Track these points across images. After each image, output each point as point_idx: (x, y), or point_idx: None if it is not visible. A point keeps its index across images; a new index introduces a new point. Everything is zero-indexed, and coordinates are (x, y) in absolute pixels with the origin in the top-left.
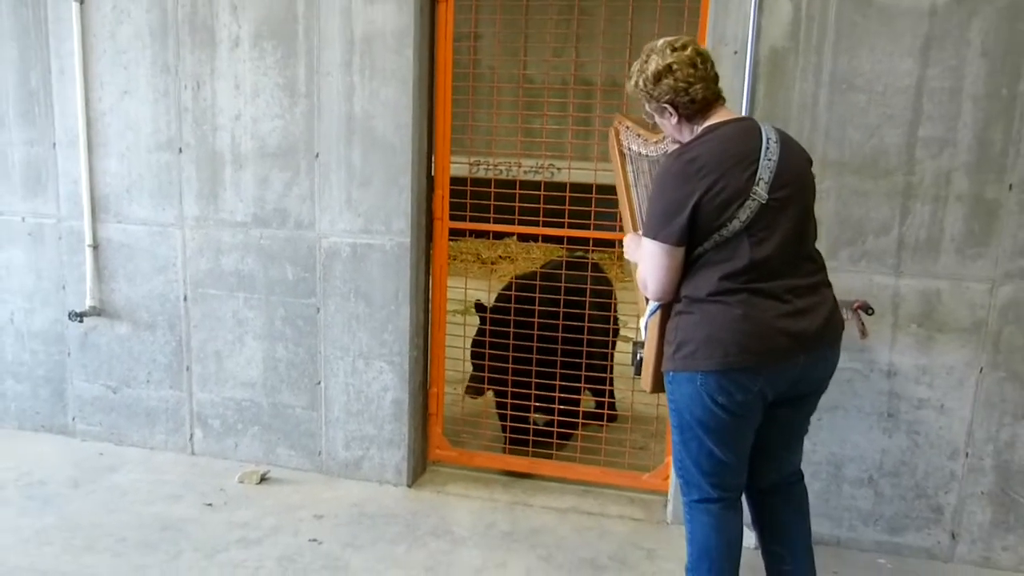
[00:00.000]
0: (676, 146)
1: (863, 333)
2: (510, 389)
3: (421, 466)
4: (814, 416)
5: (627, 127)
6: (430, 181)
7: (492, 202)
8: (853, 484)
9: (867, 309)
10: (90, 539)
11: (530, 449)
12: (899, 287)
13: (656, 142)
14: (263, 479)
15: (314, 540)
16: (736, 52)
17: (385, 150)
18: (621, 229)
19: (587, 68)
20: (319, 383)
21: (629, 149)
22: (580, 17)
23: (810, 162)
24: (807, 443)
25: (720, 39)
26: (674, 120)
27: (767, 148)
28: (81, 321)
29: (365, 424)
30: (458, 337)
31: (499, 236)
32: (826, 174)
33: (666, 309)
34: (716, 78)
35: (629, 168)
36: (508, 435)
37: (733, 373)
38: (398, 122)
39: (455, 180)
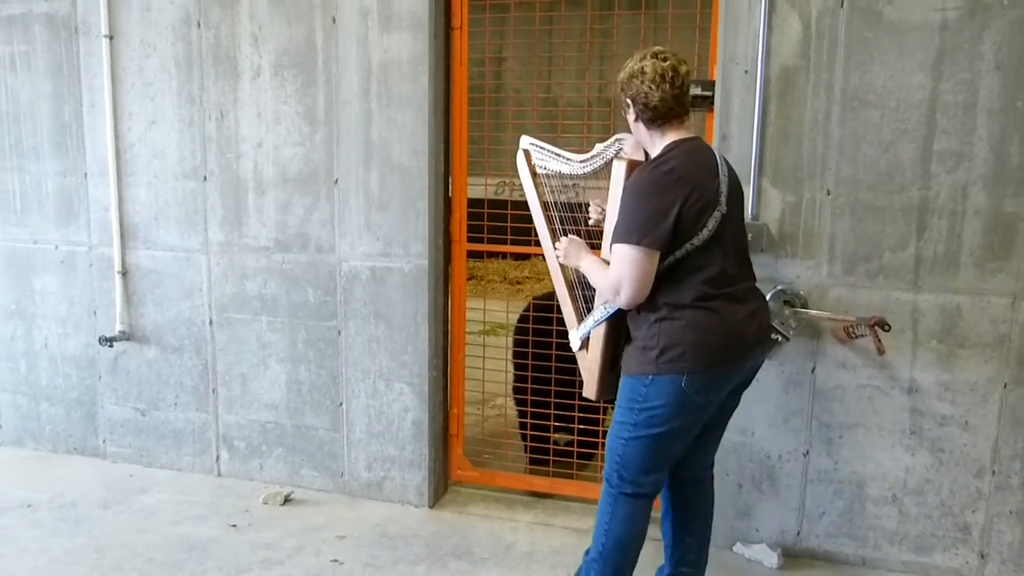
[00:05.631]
0: (619, 161)
1: (880, 350)
2: (530, 409)
3: (443, 486)
4: (835, 434)
5: (539, 148)
6: (447, 204)
7: (509, 224)
8: (876, 503)
9: (883, 325)
10: (118, 559)
11: (551, 469)
12: (918, 302)
13: (582, 161)
14: (287, 500)
15: (336, 561)
16: (747, 71)
17: (403, 174)
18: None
19: (609, 89)
20: (341, 405)
21: (544, 169)
22: (601, 40)
23: (739, 181)
24: (827, 460)
25: (731, 58)
26: (632, 118)
27: (721, 164)
28: (111, 346)
29: (386, 445)
30: (478, 358)
31: (520, 256)
32: (840, 190)
33: (613, 319)
34: (680, 97)
35: (544, 186)
36: (529, 455)
37: (714, 372)
38: (415, 147)
39: (474, 202)
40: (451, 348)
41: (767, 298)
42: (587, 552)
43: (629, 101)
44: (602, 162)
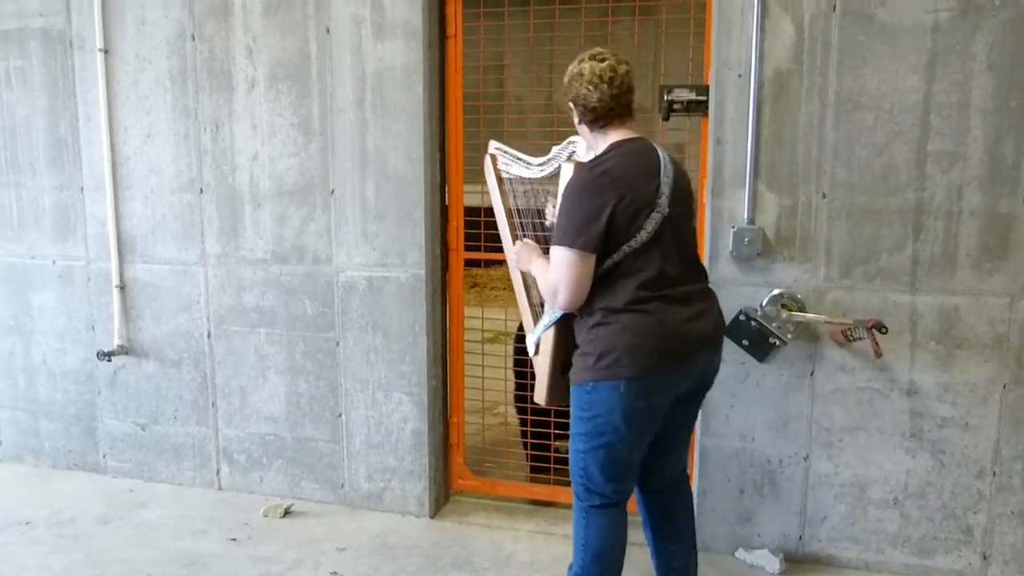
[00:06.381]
0: (568, 164)
1: (877, 353)
2: (530, 417)
3: (444, 496)
4: (835, 437)
5: (504, 152)
6: (444, 212)
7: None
8: (878, 506)
9: (880, 328)
10: (117, 575)
11: (552, 477)
12: (916, 304)
13: (540, 164)
14: (287, 512)
15: (335, 573)
16: (740, 75)
17: (398, 184)
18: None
19: None
20: (340, 416)
21: (508, 174)
22: (612, 46)
23: (690, 182)
24: (828, 464)
25: (724, 63)
26: (576, 120)
27: (664, 166)
28: (109, 360)
29: (386, 456)
30: (479, 366)
31: None
32: (836, 193)
33: (563, 324)
34: (619, 97)
35: (509, 191)
36: (530, 463)
37: (655, 376)
38: (410, 156)
39: (471, 211)
40: (450, 357)
41: (764, 302)
42: (571, 567)
43: (571, 104)
44: (558, 165)
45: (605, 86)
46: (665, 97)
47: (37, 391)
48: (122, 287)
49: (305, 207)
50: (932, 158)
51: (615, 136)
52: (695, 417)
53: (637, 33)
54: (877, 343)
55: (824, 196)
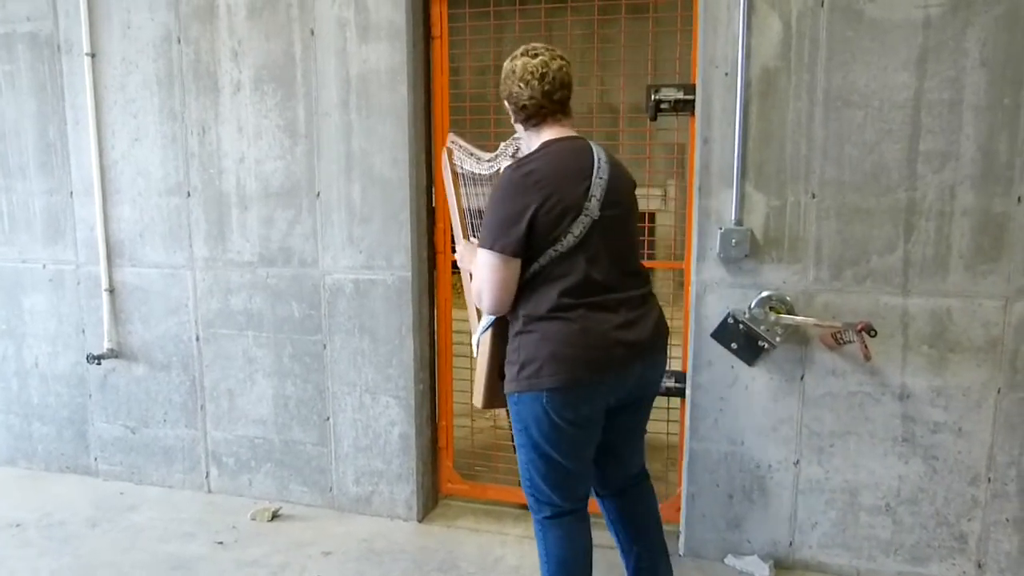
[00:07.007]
0: (510, 162)
1: (866, 356)
2: None
3: (432, 500)
4: (825, 442)
5: (460, 146)
6: (431, 215)
7: None
8: (870, 512)
9: (870, 330)
10: None
11: None
12: (907, 306)
13: (489, 160)
14: (275, 516)
15: None
16: (727, 73)
17: (384, 186)
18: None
19: (610, 95)
20: (328, 419)
21: (462, 168)
22: (585, 46)
23: (634, 184)
24: (819, 469)
25: (711, 61)
26: (512, 118)
27: (598, 167)
28: (99, 364)
29: (374, 459)
30: (467, 369)
31: None
32: (825, 192)
33: (499, 325)
34: (551, 94)
35: (462, 186)
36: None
37: (579, 387)
38: (395, 158)
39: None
40: (438, 360)
41: (752, 305)
42: None
43: (505, 102)
44: (504, 160)
45: (536, 83)
46: (652, 97)
47: (30, 394)
48: (111, 291)
49: (291, 210)
50: (923, 157)
51: (548, 135)
52: (644, 422)
53: (624, 32)
54: (866, 346)
55: (813, 196)
